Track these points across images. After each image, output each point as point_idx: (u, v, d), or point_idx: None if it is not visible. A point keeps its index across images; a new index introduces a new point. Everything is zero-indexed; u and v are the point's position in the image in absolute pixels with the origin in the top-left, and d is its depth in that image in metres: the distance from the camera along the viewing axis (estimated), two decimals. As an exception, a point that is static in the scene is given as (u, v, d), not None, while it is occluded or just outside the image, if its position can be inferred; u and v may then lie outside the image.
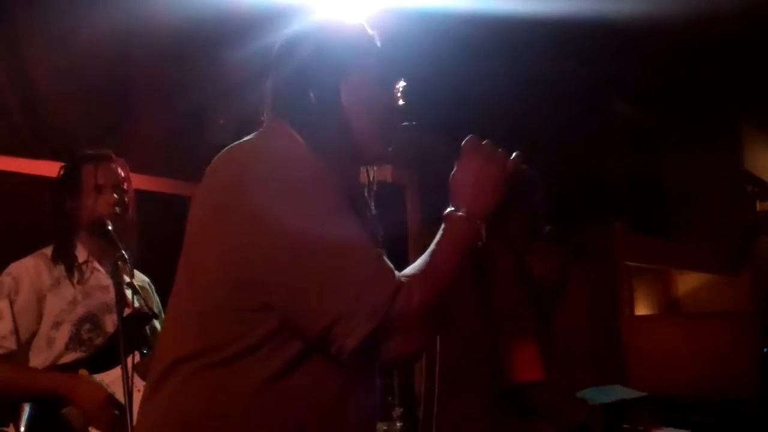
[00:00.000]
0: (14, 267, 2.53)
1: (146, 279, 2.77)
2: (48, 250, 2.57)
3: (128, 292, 2.48)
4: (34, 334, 2.47)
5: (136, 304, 2.49)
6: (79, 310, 2.50)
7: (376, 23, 1.65)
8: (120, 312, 2.37)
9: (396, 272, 1.37)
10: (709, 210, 6.95)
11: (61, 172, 2.65)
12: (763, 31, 5.04)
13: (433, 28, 3.72)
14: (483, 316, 2.21)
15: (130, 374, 2.28)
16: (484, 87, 4.44)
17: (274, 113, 1.54)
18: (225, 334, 1.37)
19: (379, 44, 1.60)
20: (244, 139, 1.50)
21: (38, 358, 2.46)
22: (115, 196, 2.58)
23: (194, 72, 3.79)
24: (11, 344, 2.42)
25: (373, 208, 1.65)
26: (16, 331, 2.43)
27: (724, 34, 5.03)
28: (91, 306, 2.52)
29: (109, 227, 2.51)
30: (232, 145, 1.47)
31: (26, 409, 2.36)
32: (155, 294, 2.77)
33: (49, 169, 3.40)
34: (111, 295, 2.46)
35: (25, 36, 3.38)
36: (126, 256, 2.45)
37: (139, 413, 1.56)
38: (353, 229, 1.36)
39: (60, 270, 2.53)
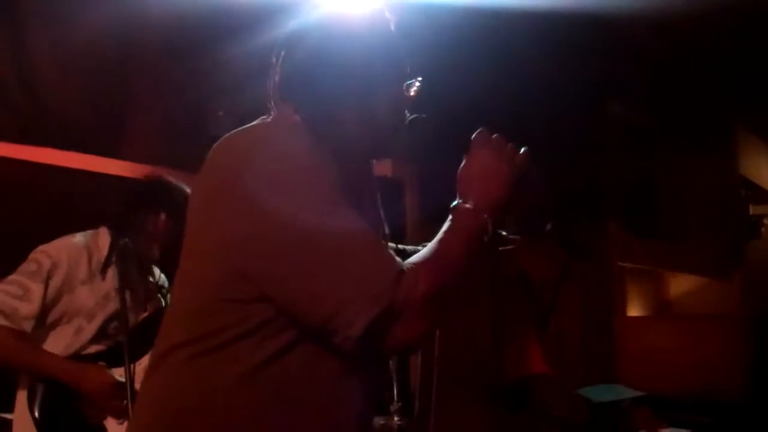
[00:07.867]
0: (55, 249, 2.52)
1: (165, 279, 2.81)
2: (92, 239, 2.59)
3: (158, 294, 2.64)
4: (59, 321, 2.50)
5: (163, 303, 2.59)
6: (111, 307, 2.53)
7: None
8: (123, 308, 2.43)
9: (398, 260, 1.36)
10: (703, 213, 6.97)
11: (143, 188, 2.71)
12: (759, 36, 5.07)
13: (429, 23, 3.70)
14: (486, 314, 2.21)
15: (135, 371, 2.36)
16: (479, 86, 4.42)
17: (282, 100, 1.51)
18: (219, 322, 1.37)
19: (394, 35, 1.57)
20: (246, 126, 1.48)
21: (61, 343, 2.49)
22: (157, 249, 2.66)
23: (195, 63, 3.79)
24: (27, 327, 2.43)
25: (380, 203, 1.64)
26: (39, 316, 2.45)
27: (721, 38, 5.05)
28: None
29: None
30: (231, 132, 1.45)
31: (38, 397, 2.39)
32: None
33: (49, 156, 3.40)
34: (139, 295, 2.59)
35: (27, 24, 3.38)
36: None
37: (138, 394, 1.65)
38: (350, 219, 1.35)
39: (97, 264, 2.55)
